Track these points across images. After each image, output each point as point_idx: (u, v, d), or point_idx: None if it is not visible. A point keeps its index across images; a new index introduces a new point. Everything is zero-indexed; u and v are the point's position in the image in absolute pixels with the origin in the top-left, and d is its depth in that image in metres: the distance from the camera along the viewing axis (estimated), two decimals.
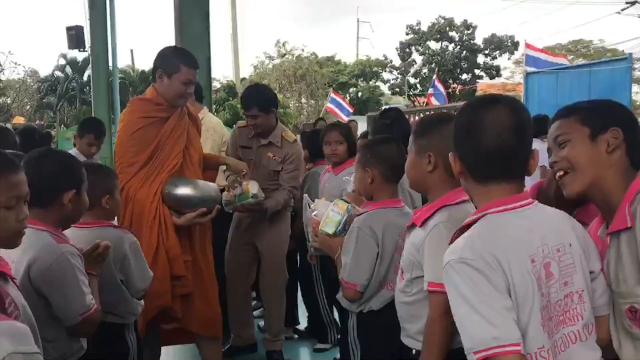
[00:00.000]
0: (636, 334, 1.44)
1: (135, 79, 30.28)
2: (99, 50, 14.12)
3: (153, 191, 2.95)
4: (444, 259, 1.42)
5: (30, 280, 1.88)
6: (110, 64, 15.20)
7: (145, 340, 2.85)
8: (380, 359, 2.31)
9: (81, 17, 15.88)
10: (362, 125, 10.48)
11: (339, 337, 4.01)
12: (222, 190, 3.48)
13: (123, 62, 27.40)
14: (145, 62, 32.40)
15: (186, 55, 3.07)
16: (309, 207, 2.71)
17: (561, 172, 1.59)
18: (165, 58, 3.05)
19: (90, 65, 16.30)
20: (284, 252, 3.83)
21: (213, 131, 4.01)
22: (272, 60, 32.59)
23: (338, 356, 3.79)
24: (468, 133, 1.49)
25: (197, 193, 3.00)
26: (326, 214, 2.48)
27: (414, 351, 1.90)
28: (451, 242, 1.49)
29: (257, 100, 3.64)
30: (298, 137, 4.35)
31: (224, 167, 3.71)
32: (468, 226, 1.47)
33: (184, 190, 2.99)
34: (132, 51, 32.28)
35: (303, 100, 29.94)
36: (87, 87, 25.20)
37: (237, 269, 3.82)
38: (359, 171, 2.38)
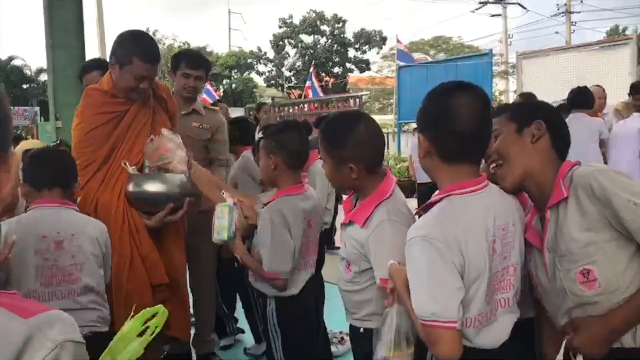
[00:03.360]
0: (587, 296, 1.55)
1: None
2: None
3: (117, 194, 2.60)
4: (409, 233, 1.52)
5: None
6: None
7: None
8: (300, 343, 2.33)
9: None
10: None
11: (236, 326, 3.98)
12: None
13: None
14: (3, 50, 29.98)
15: (143, 45, 2.61)
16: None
17: (494, 165, 1.71)
18: (120, 45, 2.60)
19: None
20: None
21: None
22: None
23: (246, 346, 3.77)
24: (443, 116, 1.55)
25: (164, 189, 2.63)
26: (213, 222, 2.45)
27: (362, 329, 1.95)
28: (417, 213, 1.64)
29: (205, 62, 3.44)
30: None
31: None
32: (431, 204, 1.58)
33: (149, 188, 2.62)
34: None
35: None
36: None
37: None
38: (263, 158, 2.37)
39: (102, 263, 2.35)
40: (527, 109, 1.74)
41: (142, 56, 2.54)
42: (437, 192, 1.63)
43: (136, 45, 2.58)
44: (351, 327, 2.00)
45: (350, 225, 1.93)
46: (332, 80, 31.24)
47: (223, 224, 2.40)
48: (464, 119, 1.53)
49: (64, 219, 2.28)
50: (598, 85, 5.91)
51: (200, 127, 3.40)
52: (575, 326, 1.60)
